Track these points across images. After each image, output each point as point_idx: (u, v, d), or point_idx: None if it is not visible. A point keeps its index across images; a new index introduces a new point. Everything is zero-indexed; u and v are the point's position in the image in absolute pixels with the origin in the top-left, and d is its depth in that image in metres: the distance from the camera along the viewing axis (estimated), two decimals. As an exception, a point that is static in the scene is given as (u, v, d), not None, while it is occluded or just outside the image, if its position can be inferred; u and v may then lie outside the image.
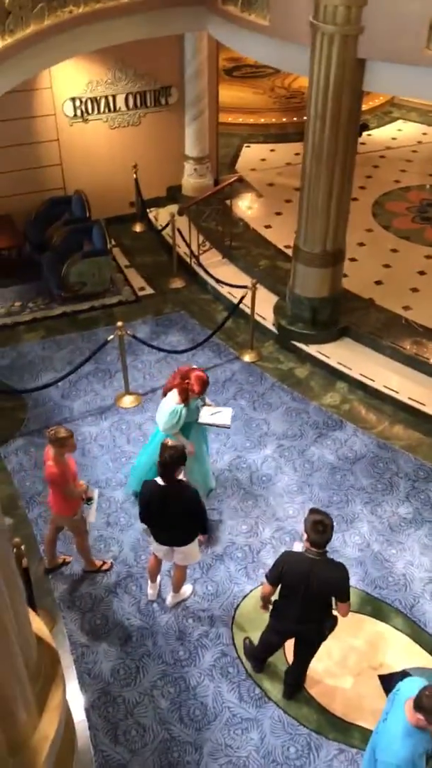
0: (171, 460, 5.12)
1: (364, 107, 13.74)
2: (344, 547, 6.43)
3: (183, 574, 5.84)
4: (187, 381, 6.07)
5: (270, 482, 7.06)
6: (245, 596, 6.03)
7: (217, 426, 6.43)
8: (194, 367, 6.47)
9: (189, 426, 6.30)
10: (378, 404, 7.96)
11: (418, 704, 3.64)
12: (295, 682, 5.31)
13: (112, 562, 6.30)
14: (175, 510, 5.29)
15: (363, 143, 12.92)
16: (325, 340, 8.68)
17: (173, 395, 6.09)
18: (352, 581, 6.00)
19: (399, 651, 5.66)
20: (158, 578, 6.05)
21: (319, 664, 5.40)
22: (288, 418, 7.80)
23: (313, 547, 4.53)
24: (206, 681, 5.47)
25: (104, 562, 6.27)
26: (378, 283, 9.46)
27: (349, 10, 6.50)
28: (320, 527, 4.46)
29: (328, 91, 7.01)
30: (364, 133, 13.14)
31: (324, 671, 5.50)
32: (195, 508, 5.34)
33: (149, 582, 6.03)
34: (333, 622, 4.80)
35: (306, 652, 5.07)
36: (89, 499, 5.81)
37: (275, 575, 4.70)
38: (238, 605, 5.98)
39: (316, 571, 4.53)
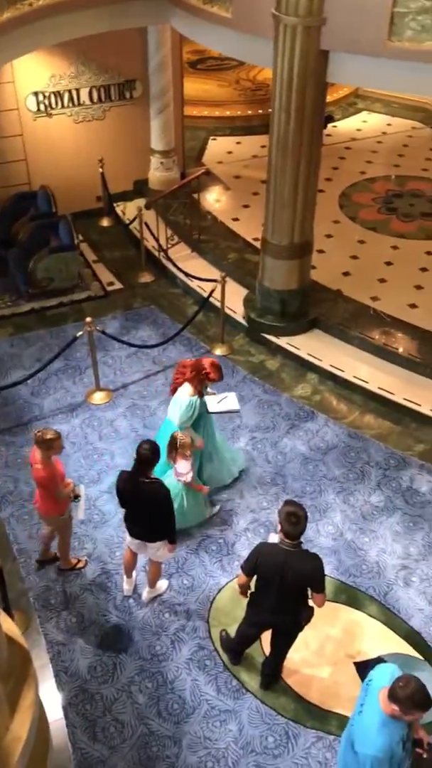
0: (148, 455, 5.12)
1: (329, 99, 13.77)
2: (318, 536, 6.48)
3: (158, 569, 5.84)
4: (204, 371, 6.08)
5: (244, 474, 7.08)
6: (221, 589, 6.05)
7: (228, 412, 6.51)
8: (199, 358, 6.46)
9: (197, 420, 6.31)
10: (348, 394, 8.02)
11: (393, 695, 3.68)
12: (272, 673, 5.34)
13: (86, 560, 6.26)
14: (144, 507, 5.29)
15: (329, 135, 12.96)
16: (295, 331, 8.72)
17: (186, 388, 6.11)
18: (327, 570, 6.04)
19: (374, 638, 5.73)
20: (134, 573, 6.04)
21: (295, 654, 5.44)
22: (260, 411, 7.83)
23: (287, 539, 4.55)
24: (184, 675, 5.48)
25: (79, 560, 6.23)
26: (346, 274, 9.52)
27: (311, 2, 6.51)
28: (293, 518, 4.48)
29: (292, 83, 7.02)
30: (330, 125, 13.18)
31: (301, 661, 5.54)
32: (163, 509, 5.28)
33: (125, 577, 6.02)
34: (309, 613, 4.84)
35: (283, 643, 5.11)
36: (77, 497, 5.75)
37: (250, 566, 4.72)
38: (214, 598, 6.00)
39: (291, 563, 4.56)
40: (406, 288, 9.23)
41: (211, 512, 6.66)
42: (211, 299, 8.64)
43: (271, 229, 8.17)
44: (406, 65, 6.48)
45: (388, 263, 9.74)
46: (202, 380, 6.14)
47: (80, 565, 6.21)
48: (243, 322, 8.97)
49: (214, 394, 6.62)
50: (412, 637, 5.73)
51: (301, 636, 5.12)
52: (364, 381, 8.02)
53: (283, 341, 8.65)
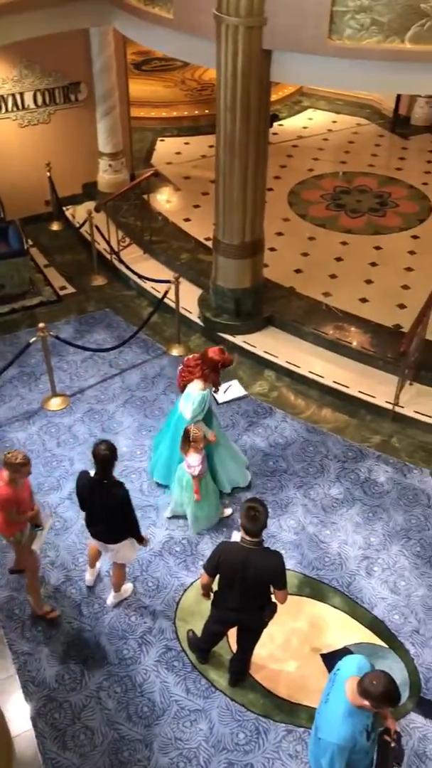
0: (106, 454, 5.12)
1: (274, 97, 13.90)
2: (280, 531, 6.53)
3: (121, 573, 5.82)
4: (217, 360, 6.14)
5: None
6: (186, 589, 6.05)
7: (237, 399, 6.69)
8: (200, 352, 6.43)
9: (208, 415, 6.37)
10: (305, 390, 8.11)
11: (365, 692, 3.69)
12: (239, 670, 5.37)
13: (59, 614, 5.86)
14: (102, 507, 5.28)
15: (275, 133, 13.09)
16: (251, 330, 8.77)
17: (196, 384, 6.15)
18: (290, 564, 6.14)
19: (339, 629, 5.81)
20: (97, 564, 6.03)
21: (262, 650, 5.48)
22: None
23: (247, 536, 4.58)
24: (152, 677, 5.47)
25: (53, 610, 5.85)
26: (298, 271, 9.61)
27: (251, 2, 6.55)
28: (252, 513, 4.51)
29: (237, 83, 7.06)
30: (276, 124, 13.29)
31: (268, 656, 5.59)
32: (121, 509, 5.27)
33: (88, 568, 6.00)
34: (272, 609, 4.87)
35: (249, 640, 5.14)
36: (37, 526, 5.55)
37: (212, 565, 4.74)
38: (179, 598, 6.00)
39: (252, 560, 4.59)
40: (356, 283, 9.37)
41: (221, 514, 6.65)
42: (165, 300, 8.64)
43: (222, 228, 8.21)
44: (347, 63, 6.59)
45: (339, 259, 9.87)
46: (215, 369, 6.21)
47: (52, 616, 5.82)
48: (198, 321, 8.99)
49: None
50: (376, 625, 5.83)
51: (267, 631, 5.16)
52: (319, 376, 8.12)
53: (239, 340, 8.69)
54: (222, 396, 6.69)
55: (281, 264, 9.62)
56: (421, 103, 13.38)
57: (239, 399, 6.75)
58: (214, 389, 6.42)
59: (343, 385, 7.97)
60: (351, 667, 3.95)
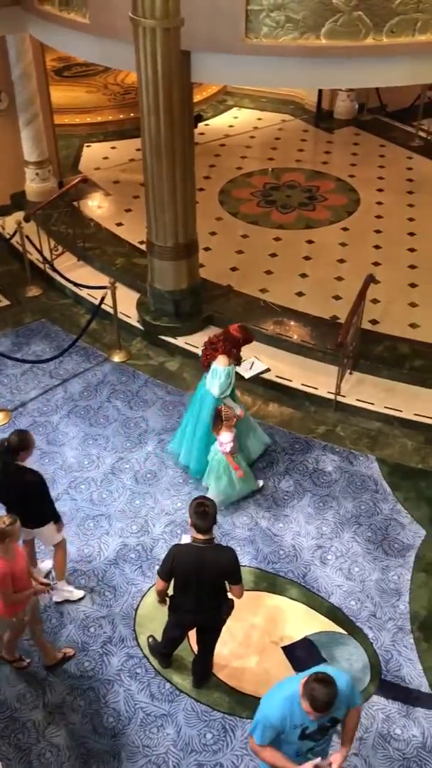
0: (15, 441, 5.29)
1: (199, 97, 13.97)
2: (234, 529, 6.56)
3: (61, 557, 5.83)
4: (238, 336, 6.41)
5: (155, 478, 7.07)
6: (144, 595, 6.03)
7: (260, 374, 7.17)
8: (223, 330, 6.69)
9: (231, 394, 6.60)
10: (250, 386, 8.14)
11: (304, 685, 3.64)
12: (202, 670, 5.38)
13: (74, 651, 5.61)
14: (15, 494, 5.39)
15: (202, 133, 13.12)
16: (192, 330, 8.78)
17: (221, 359, 6.40)
18: (246, 560, 6.19)
19: (298, 620, 5.87)
20: (38, 563, 6.10)
21: (224, 648, 5.50)
22: (165, 413, 7.84)
23: (198, 534, 4.59)
24: (115, 686, 5.43)
25: (65, 652, 5.55)
26: (234, 269, 9.66)
27: (166, 4, 6.55)
28: (201, 509, 4.53)
29: (158, 86, 7.05)
30: (201, 124, 13.31)
31: (230, 653, 5.61)
32: (34, 492, 5.38)
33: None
34: (230, 606, 4.90)
35: (209, 640, 5.15)
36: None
37: (166, 570, 4.73)
38: (138, 605, 5.97)
39: (206, 559, 4.60)
40: (291, 277, 9.48)
41: (257, 485, 6.89)
42: (103, 306, 8.56)
43: (154, 231, 8.19)
44: (265, 60, 6.66)
45: (273, 255, 9.96)
46: (237, 345, 6.47)
47: (70, 653, 5.55)
48: (138, 326, 8.95)
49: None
50: (333, 613, 5.92)
51: (227, 628, 5.18)
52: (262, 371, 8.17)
53: (180, 341, 8.69)
54: (247, 372, 7.06)
55: (217, 263, 9.65)
56: (343, 97, 13.61)
57: (262, 373, 7.16)
58: (236, 365, 6.66)
59: (286, 379, 8.05)
60: (330, 670, 3.87)
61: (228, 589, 4.81)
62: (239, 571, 4.72)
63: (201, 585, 4.67)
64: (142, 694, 5.39)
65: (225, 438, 6.41)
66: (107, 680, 5.47)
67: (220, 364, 6.42)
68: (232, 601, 4.89)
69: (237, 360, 6.61)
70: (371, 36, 6.41)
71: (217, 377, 6.43)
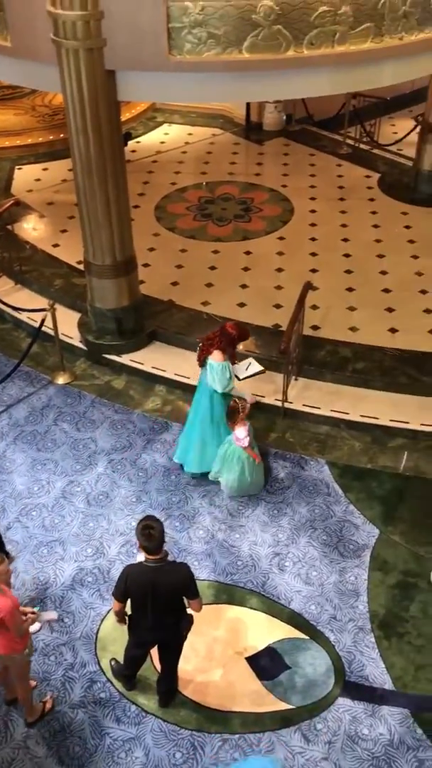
0: None
1: (128, 115, 14.02)
2: (191, 543, 6.54)
3: None
4: (232, 333, 6.61)
5: (107, 499, 7.00)
6: (103, 618, 5.94)
7: (255, 375, 7.27)
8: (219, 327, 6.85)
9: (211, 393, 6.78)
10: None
11: None
12: (167, 689, 5.32)
13: (52, 698, 5.41)
14: None
15: (133, 151, 13.16)
16: (136, 347, 8.75)
17: (216, 355, 6.56)
18: (204, 574, 6.18)
19: (260, 629, 5.87)
20: None
21: (187, 664, 5.46)
22: (114, 432, 7.77)
23: (148, 555, 4.55)
24: (80, 714, 5.33)
25: (44, 702, 5.35)
26: (174, 284, 9.68)
27: (87, 25, 6.55)
28: (147, 531, 4.50)
29: (85, 106, 7.04)
30: (132, 141, 13.35)
31: (194, 669, 5.57)
32: None
33: None
34: (189, 621, 4.87)
35: (171, 657, 5.11)
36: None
37: (120, 590, 4.69)
38: (98, 629, 5.88)
39: (160, 579, 4.56)
40: (232, 289, 9.55)
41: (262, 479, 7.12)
42: (44, 329, 8.46)
43: (91, 250, 8.15)
44: (190, 77, 6.72)
45: (212, 267, 10.02)
46: (232, 343, 6.67)
47: (48, 706, 5.33)
48: (81, 346, 8.87)
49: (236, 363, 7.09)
50: (294, 619, 5.94)
51: (189, 644, 5.15)
52: (208, 384, 8.19)
53: (125, 359, 8.65)
54: (243, 372, 7.19)
55: (157, 278, 9.66)
56: (271, 109, 13.84)
57: (258, 374, 7.32)
58: (231, 362, 6.77)
59: (232, 390, 8.08)
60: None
61: (187, 605, 4.78)
62: (195, 585, 4.70)
63: (157, 603, 4.64)
64: (107, 719, 5.30)
65: (241, 433, 6.67)
66: (71, 708, 5.36)
67: (215, 359, 6.58)
68: (191, 616, 4.86)
69: (232, 358, 6.77)
70: (292, 48, 6.54)
71: (214, 373, 6.60)
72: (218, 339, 6.63)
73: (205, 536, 6.63)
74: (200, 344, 6.83)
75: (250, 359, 7.47)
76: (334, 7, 6.40)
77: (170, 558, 4.76)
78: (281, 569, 6.33)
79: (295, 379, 8.11)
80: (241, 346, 7.39)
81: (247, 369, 7.31)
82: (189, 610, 4.81)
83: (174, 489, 7.10)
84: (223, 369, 6.59)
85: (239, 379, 7.05)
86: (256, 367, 7.36)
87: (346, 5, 6.44)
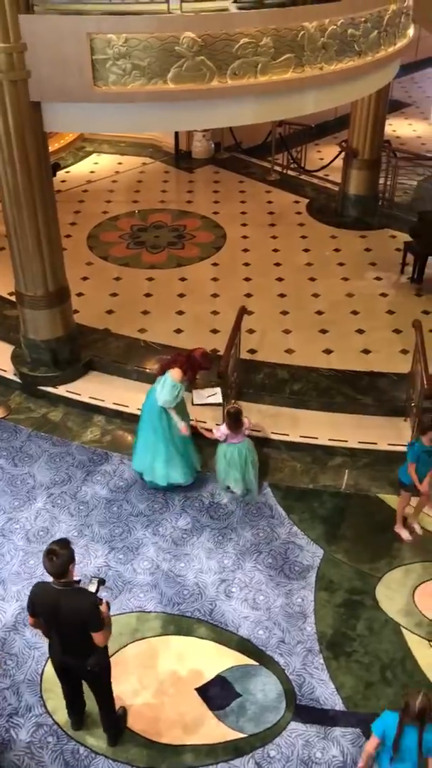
0: None
1: (57, 145, 13.99)
2: (135, 575, 6.43)
3: None
4: (197, 360, 6.81)
5: (48, 535, 6.84)
6: (48, 658, 5.73)
7: (213, 405, 7.40)
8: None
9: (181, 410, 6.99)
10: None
11: None
12: (112, 726, 5.18)
13: None
14: None
15: (63, 181, 13.13)
16: (72, 378, 8.64)
17: (174, 372, 6.70)
18: (151, 606, 6.09)
19: (209, 658, 5.80)
20: None
21: (136, 699, 5.35)
22: (53, 465, 7.63)
23: (54, 578, 4.49)
24: (27, 761, 5.13)
25: None
26: (110, 312, 9.64)
27: (10, 57, 6.53)
28: (51, 556, 4.41)
29: (11, 137, 6.98)
30: (61, 171, 13.31)
31: (143, 704, 5.45)
32: None
33: None
34: (97, 656, 4.69)
35: (98, 692, 4.98)
36: None
37: (29, 606, 4.65)
38: (43, 669, 5.70)
39: (62, 602, 4.47)
40: (168, 315, 9.56)
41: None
42: (-24, 363, 8.28)
43: (23, 281, 8.04)
44: (116, 107, 6.76)
45: (148, 295, 10.02)
46: (194, 368, 6.85)
47: None
48: (16, 379, 8.70)
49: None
50: (243, 645, 5.89)
51: (137, 678, 5.06)
52: (148, 412, 8.14)
53: (62, 390, 8.53)
54: (203, 398, 7.28)
55: (92, 307, 9.59)
56: (199, 137, 14.04)
57: (215, 405, 7.39)
58: (187, 387, 6.95)
59: (172, 417, 8.05)
60: None
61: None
62: (97, 617, 4.50)
63: (59, 627, 4.56)
64: (56, 763, 5.12)
65: (224, 430, 6.93)
66: (17, 757, 5.16)
67: (173, 376, 6.71)
68: (104, 652, 4.73)
69: (190, 382, 6.97)
70: (216, 78, 6.66)
71: (166, 387, 6.71)
72: (184, 360, 6.80)
73: (149, 567, 6.54)
74: (167, 358, 7.02)
75: (217, 389, 7.57)
76: (255, 38, 6.57)
77: (92, 588, 4.53)
78: (228, 596, 6.28)
79: (234, 403, 8.13)
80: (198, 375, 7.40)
81: (207, 397, 7.43)
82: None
83: (116, 521, 7.00)
84: (173, 387, 6.71)
85: (192, 404, 7.11)
86: (217, 398, 7.47)
87: (267, 37, 6.62)
